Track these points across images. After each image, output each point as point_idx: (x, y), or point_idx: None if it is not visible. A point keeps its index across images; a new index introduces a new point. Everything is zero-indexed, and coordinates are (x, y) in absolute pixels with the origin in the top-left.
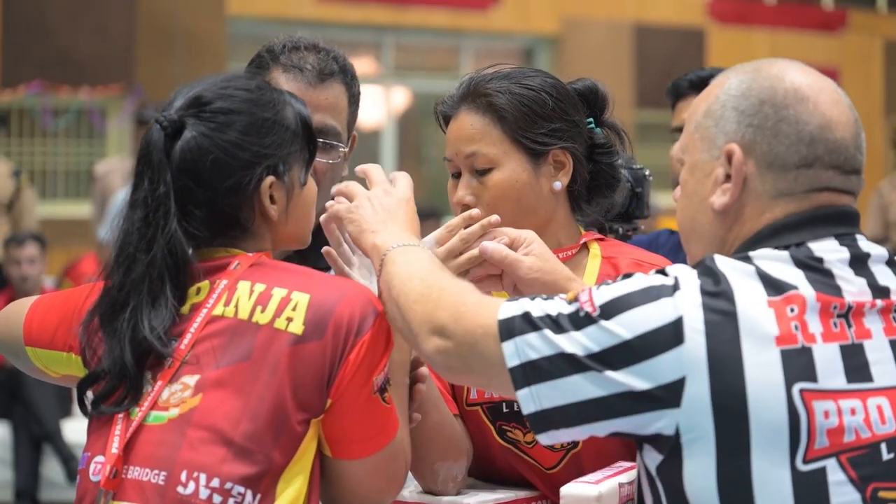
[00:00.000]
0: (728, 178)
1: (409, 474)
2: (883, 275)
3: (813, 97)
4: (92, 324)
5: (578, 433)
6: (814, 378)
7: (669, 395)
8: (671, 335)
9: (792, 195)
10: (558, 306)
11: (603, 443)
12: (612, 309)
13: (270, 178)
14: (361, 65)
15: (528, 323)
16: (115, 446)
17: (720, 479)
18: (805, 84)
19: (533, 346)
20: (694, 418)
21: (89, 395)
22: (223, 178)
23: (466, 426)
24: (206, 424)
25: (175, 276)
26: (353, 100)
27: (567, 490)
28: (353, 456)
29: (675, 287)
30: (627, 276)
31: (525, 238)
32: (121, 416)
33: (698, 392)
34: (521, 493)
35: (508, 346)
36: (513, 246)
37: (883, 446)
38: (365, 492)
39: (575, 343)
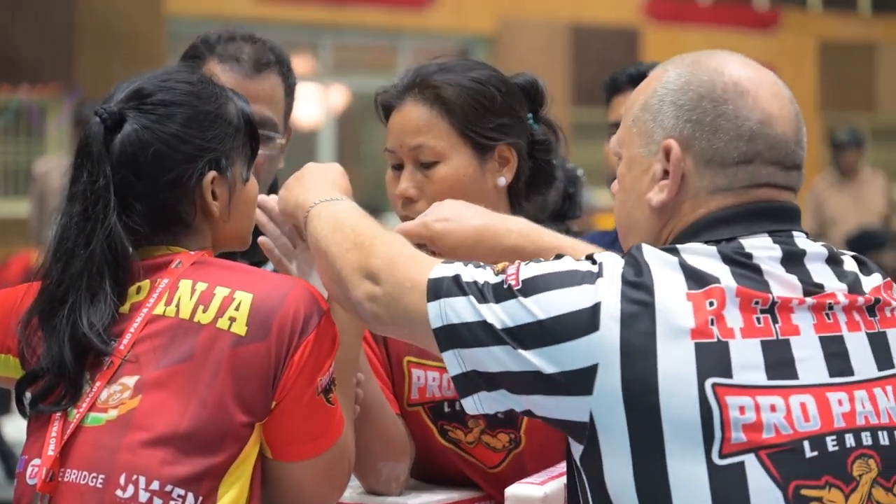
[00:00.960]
0: (666, 174)
1: (352, 475)
2: (819, 272)
3: (753, 91)
4: (31, 322)
5: (498, 402)
6: (728, 373)
7: (580, 381)
8: (587, 321)
9: (730, 190)
10: (486, 275)
11: (546, 443)
12: (532, 286)
13: (212, 173)
14: (299, 63)
15: (456, 286)
16: (51, 448)
17: (637, 474)
18: (744, 77)
19: (456, 310)
20: (606, 408)
21: (28, 395)
22: (164, 172)
23: (408, 426)
24: (146, 426)
25: (115, 272)
26: (290, 91)
27: (512, 491)
28: (296, 458)
29: (598, 274)
30: (559, 256)
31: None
32: (58, 417)
33: (610, 381)
34: (465, 494)
35: (433, 307)
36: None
37: (806, 444)
38: (308, 494)
39: (494, 315)
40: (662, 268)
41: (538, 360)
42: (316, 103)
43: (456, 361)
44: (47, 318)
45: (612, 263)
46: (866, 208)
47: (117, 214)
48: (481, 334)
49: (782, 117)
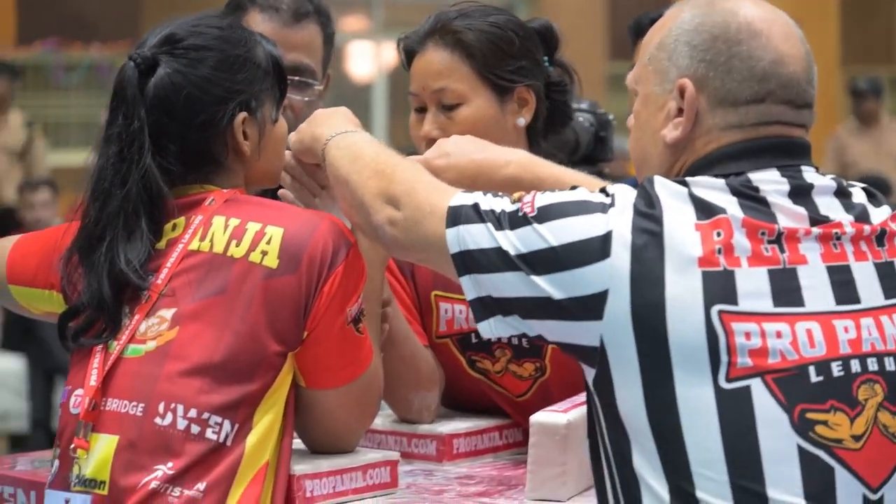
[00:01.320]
0: (680, 112)
1: (385, 405)
2: (827, 204)
3: (766, 31)
4: (71, 259)
5: (512, 326)
6: (734, 301)
7: (591, 306)
8: (598, 248)
9: (741, 127)
10: (503, 204)
11: (570, 371)
12: (546, 214)
13: (243, 114)
14: (354, 22)
15: (475, 213)
16: (93, 379)
17: (647, 397)
18: (758, 18)
19: (473, 236)
20: (616, 332)
21: (70, 328)
22: (196, 114)
23: (437, 357)
24: (183, 356)
25: (150, 210)
26: (328, 39)
27: (536, 418)
28: (328, 385)
29: (611, 205)
30: (574, 187)
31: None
32: (99, 350)
33: (619, 307)
34: (493, 421)
35: (451, 233)
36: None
37: (811, 369)
38: (340, 421)
39: (508, 241)
40: (672, 199)
41: (549, 285)
42: (369, 59)
43: (472, 286)
44: (86, 255)
45: (625, 194)
46: (886, 155)
47: (152, 155)
48: (496, 260)
49: (794, 57)
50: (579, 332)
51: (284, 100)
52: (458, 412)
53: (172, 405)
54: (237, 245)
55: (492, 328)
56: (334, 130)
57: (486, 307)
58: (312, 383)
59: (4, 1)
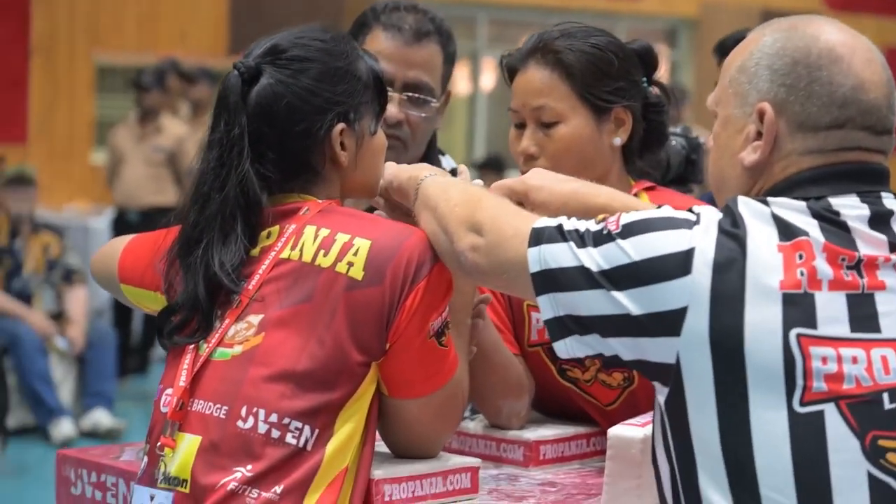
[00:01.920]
0: (759, 135)
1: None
2: None
3: (847, 57)
4: (171, 260)
5: (589, 345)
6: (813, 324)
7: (669, 323)
8: (680, 264)
9: (821, 152)
10: (587, 224)
11: None
12: (630, 230)
13: (341, 125)
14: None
15: (558, 233)
16: (182, 379)
17: (720, 418)
18: (839, 43)
19: (555, 255)
20: (693, 350)
21: (167, 327)
22: (296, 122)
23: (528, 366)
24: (267, 362)
25: (246, 216)
26: (448, 59)
27: (613, 431)
28: (410, 395)
29: (696, 222)
30: (660, 206)
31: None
32: (191, 350)
33: (698, 325)
34: (581, 429)
35: (533, 252)
36: None
37: (885, 396)
38: (422, 429)
39: (591, 258)
40: (755, 219)
41: (628, 301)
42: (473, 75)
43: (550, 305)
44: (184, 257)
45: (710, 214)
46: None
47: (250, 161)
48: (577, 279)
49: (875, 83)
50: (656, 349)
51: (384, 113)
52: (548, 418)
53: (255, 409)
54: (325, 255)
55: (568, 348)
56: (433, 173)
57: (563, 326)
58: (395, 393)
59: (218, 11)
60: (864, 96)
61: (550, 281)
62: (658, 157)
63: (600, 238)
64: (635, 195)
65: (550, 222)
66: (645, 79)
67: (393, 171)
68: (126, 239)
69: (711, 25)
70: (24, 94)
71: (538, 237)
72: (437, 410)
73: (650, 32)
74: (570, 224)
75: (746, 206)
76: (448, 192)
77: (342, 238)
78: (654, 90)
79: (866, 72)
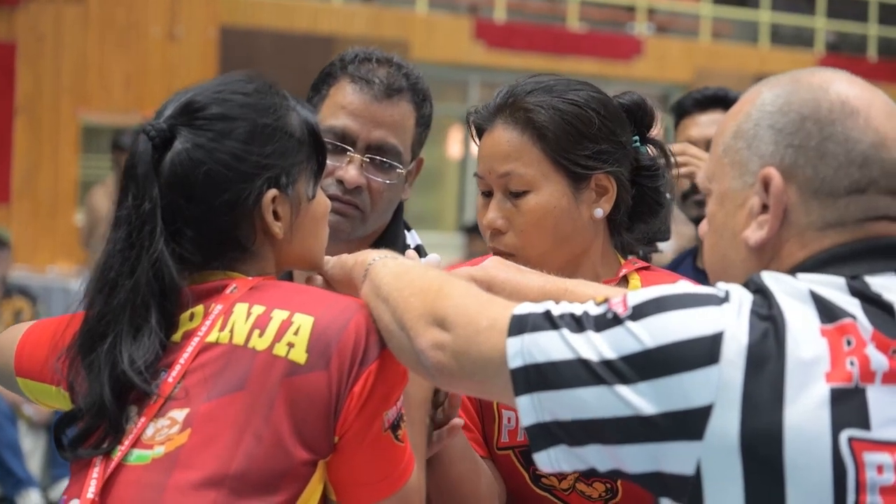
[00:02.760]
0: (765, 208)
1: None
2: None
3: (864, 110)
4: (70, 358)
5: (580, 457)
6: (866, 425)
7: (690, 423)
8: (705, 351)
9: (843, 226)
10: (585, 307)
11: (645, 495)
12: (643, 310)
13: (273, 192)
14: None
15: (546, 320)
16: (91, 490)
17: None
18: (853, 95)
19: (542, 347)
20: (718, 459)
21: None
22: (218, 193)
23: (498, 470)
24: (195, 464)
25: (161, 304)
26: (422, 121)
27: None
28: (362, 501)
29: (725, 299)
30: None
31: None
32: (100, 457)
33: (726, 427)
34: None
35: (514, 343)
36: None
37: None
38: None
39: (591, 346)
40: (790, 298)
41: (638, 397)
42: (460, 142)
43: (532, 407)
44: (86, 354)
45: (741, 290)
46: None
47: (165, 241)
48: (570, 374)
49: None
50: (670, 457)
51: (323, 173)
52: None
53: None
54: (260, 335)
55: (552, 460)
56: (381, 256)
57: (548, 434)
58: (345, 498)
59: (207, 71)
60: (888, 154)
61: (535, 378)
62: (651, 226)
63: (604, 322)
64: (625, 277)
65: (535, 307)
66: (636, 138)
67: (333, 262)
68: (26, 325)
69: None
70: (7, 152)
71: (520, 325)
72: None
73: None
74: (560, 308)
75: (777, 282)
76: (402, 278)
77: (280, 315)
78: (651, 150)
79: (887, 126)
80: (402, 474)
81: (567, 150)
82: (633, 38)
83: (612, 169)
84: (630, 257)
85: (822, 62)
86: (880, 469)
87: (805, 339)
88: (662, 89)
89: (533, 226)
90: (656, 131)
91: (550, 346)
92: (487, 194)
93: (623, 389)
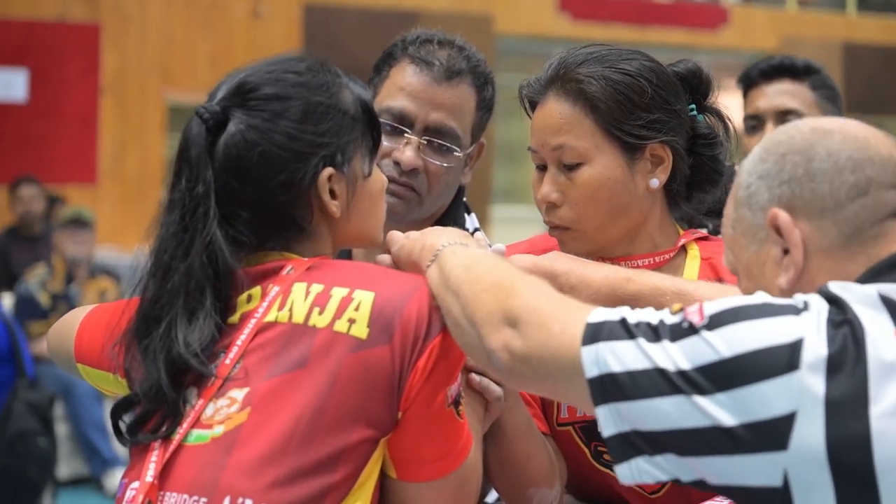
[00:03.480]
0: (786, 252)
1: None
2: None
3: (837, 129)
4: (127, 343)
5: (662, 468)
6: None
7: (772, 434)
8: (784, 359)
9: (861, 235)
10: (661, 315)
11: None
12: (720, 320)
13: (329, 170)
14: None
15: (622, 328)
16: (149, 474)
17: None
18: (823, 123)
19: (618, 356)
20: (805, 468)
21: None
22: (274, 174)
23: (559, 447)
24: (254, 443)
25: (215, 287)
26: (483, 104)
27: None
28: (423, 478)
29: (804, 308)
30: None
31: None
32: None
33: (811, 435)
34: None
35: (588, 353)
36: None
37: None
38: None
39: (667, 356)
40: (862, 305)
41: (718, 408)
42: None
43: (612, 418)
44: (141, 339)
45: (818, 300)
46: None
47: (218, 223)
48: (648, 384)
49: (880, 140)
50: (755, 470)
51: (379, 149)
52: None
53: (240, 500)
54: (320, 313)
55: (633, 472)
56: (451, 240)
57: (630, 445)
58: (405, 475)
59: (290, 47)
60: (874, 151)
61: (613, 387)
62: (710, 195)
63: (680, 332)
64: (684, 247)
65: (611, 314)
66: (693, 106)
67: (400, 240)
68: (86, 310)
69: None
70: (93, 134)
71: (595, 334)
72: (451, 497)
73: (730, 66)
74: (636, 316)
75: (846, 291)
76: (472, 270)
77: (339, 293)
78: (709, 119)
79: (865, 132)
80: (462, 451)
81: (620, 120)
82: (719, 8)
83: (666, 138)
84: (690, 228)
85: None
86: None
87: (883, 342)
88: (749, 58)
89: (588, 198)
90: (714, 99)
91: (627, 356)
92: (542, 168)
93: (701, 400)
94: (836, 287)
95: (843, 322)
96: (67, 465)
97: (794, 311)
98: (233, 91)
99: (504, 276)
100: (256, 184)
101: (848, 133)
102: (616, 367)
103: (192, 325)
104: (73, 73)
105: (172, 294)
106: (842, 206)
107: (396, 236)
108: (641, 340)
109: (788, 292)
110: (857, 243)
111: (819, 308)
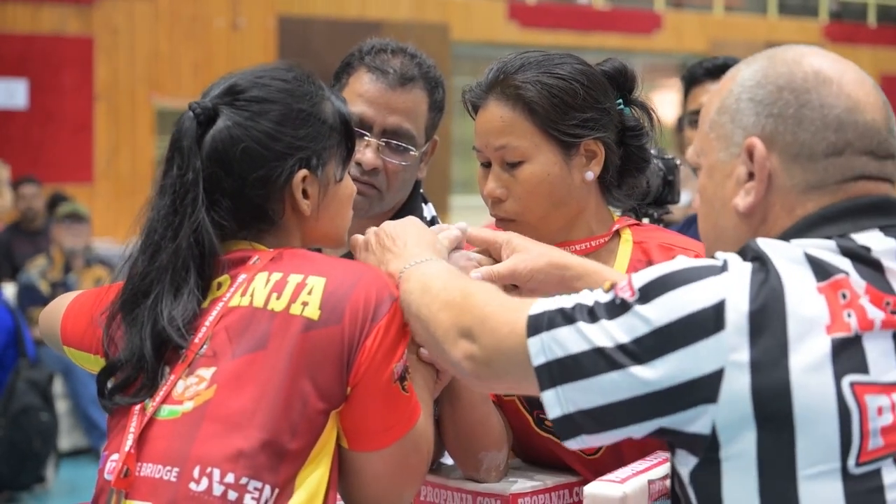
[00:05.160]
0: (751, 176)
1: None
2: None
3: (836, 78)
4: (113, 315)
5: (608, 438)
6: (865, 369)
7: (704, 389)
8: (710, 321)
9: (824, 187)
10: (595, 296)
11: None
12: (650, 291)
13: (304, 172)
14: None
15: (560, 316)
16: (128, 444)
17: (763, 492)
18: (825, 66)
19: (560, 341)
20: (733, 417)
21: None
22: (253, 169)
23: (505, 415)
24: (221, 417)
25: (200, 266)
26: (435, 106)
27: (590, 490)
28: (371, 447)
29: (723, 268)
30: (673, 257)
31: (501, 240)
32: (137, 412)
33: (737, 388)
34: (562, 479)
35: (534, 343)
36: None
37: None
38: (385, 485)
39: (605, 334)
40: (786, 261)
41: (653, 374)
42: None
43: (557, 400)
44: (130, 310)
45: (737, 259)
46: None
47: (205, 209)
48: (589, 363)
49: (870, 104)
50: (688, 420)
51: (352, 158)
52: (529, 467)
53: (208, 469)
54: (278, 298)
55: (580, 444)
56: (405, 262)
57: (574, 424)
58: (355, 444)
59: (266, 58)
60: (861, 117)
61: (558, 372)
62: (639, 181)
63: (614, 309)
64: (617, 232)
65: (549, 305)
66: (621, 100)
67: (362, 255)
68: (71, 296)
69: None
70: (89, 137)
71: (537, 325)
72: (400, 463)
73: (664, 67)
74: (572, 300)
75: (772, 248)
76: (428, 292)
77: (295, 279)
78: (635, 111)
79: (859, 92)
80: (408, 421)
81: (556, 121)
82: (652, 13)
83: (598, 134)
84: (623, 215)
85: (826, 29)
86: (880, 410)
87: (803, 297)
88: (680, 59)
89: (530, 193)
90: (640, 93)
91: (568, 340)
92: (486, 165)
93: (638, 369)
94: (763, 244)
95: (765, 280)
96: (68, 438)
97: (716, 271)
98: (224, 91)
99: (455, 293)
100: (238, 176)
101: (844, 87)
102: (559, 352)
103: (177, 301)
104: (70, 82)
105: (161, 271)
106: (815, 159)
107: (358, 241)
108: (580, 324)
109: (743, 215)
110: (817, 194)
111: (740, 268)
